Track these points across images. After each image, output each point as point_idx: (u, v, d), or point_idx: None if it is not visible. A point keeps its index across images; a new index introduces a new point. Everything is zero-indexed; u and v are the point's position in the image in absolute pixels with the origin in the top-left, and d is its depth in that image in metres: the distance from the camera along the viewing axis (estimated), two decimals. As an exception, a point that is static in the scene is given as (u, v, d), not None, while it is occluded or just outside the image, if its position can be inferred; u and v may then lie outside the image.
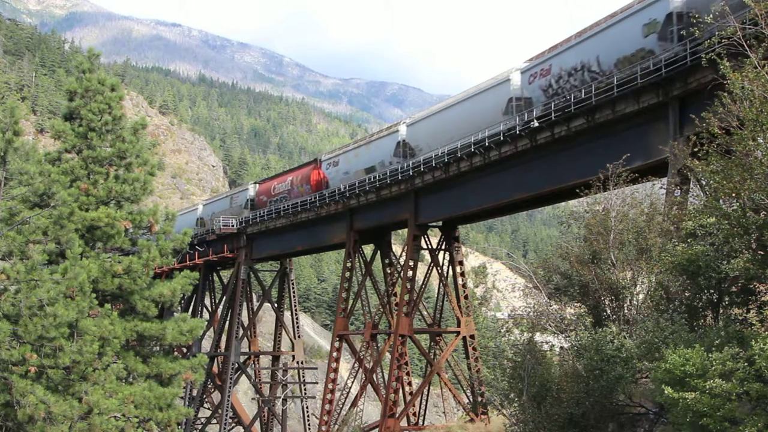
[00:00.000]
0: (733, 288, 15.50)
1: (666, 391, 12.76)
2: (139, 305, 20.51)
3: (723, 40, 15.92)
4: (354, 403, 48.35)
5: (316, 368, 68.51)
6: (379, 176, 40.53)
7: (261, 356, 63.61)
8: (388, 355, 48.89)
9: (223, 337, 59.36)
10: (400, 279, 43.21)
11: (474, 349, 41.51)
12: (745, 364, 12.34)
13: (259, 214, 52.75)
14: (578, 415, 17.95)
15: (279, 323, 60.29)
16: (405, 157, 39.39)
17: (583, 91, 28.08)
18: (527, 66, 32.11)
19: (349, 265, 45.89)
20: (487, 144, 32.97)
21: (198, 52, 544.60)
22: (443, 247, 42.78)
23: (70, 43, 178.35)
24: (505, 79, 33.09)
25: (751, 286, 14.15)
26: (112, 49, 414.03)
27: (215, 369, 60.12)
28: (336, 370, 47.17)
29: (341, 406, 48.33)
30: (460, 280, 42.27)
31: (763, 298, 13.48)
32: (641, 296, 20.14)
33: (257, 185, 55.88)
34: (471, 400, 41.24)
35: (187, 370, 21.06)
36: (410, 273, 40.70)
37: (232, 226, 55.10)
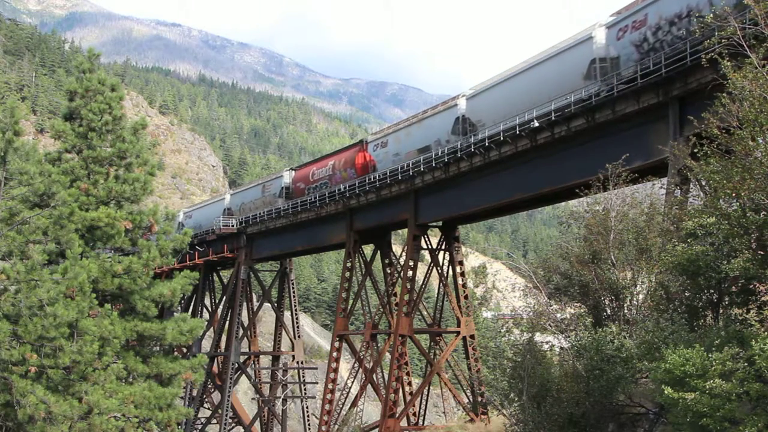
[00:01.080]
0: (733, 288, 15.49)
1: (666, 391, 12.76)
2: (139, 305, 20.51)
3: (723, 40, 15.93)
4: (354, 403, 48.35)
5: (316, 368, 68.50)
6: (379, 176, 40.52)
7: (261, 356, 63.63)
8: (388, 355, 48.91)
9: (223, 337, 59.37)
10: (400, 279, 43.21)
11: (474, 349, 41.50)
12: (745, 364, 12.34)
13: (259, 214, 52.74)
14: (578, 415, 17.95)
15: (279, 323, 60.30)
16: (465, 134, 35.29)
17: (583, 91, 28.03)
18: (614, 20, 28.26)
19: (349, 265, 45.89)
20: (487, 144, 32.96)
21: (198, 52, 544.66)
22: (443, 247, 42.78)
23: (70, 43, 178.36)
24: (586, 37, 29.03)
25: (751, 286, 14.14)
26: (112, 49, 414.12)
27: (215, 369, 60.12)
28: (336, 370, 47.17)
29: (341, 406, 48.33)
30: (460, 280, 42.27)
31: (763, 298, 13.46)
32: (641, 296, 20.14)
33: (293, 172, 51.62)
34: (471, 400, 41.24)
35: (187, 370, 21.06)
36: (410, 273, 40.70)
37: (232, 226, 55.10)
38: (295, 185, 50.32)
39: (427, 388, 45.79)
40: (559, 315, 21.64)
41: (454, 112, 36.55)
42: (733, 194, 14.01)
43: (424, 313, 46.59)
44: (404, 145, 39.96)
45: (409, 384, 46.17)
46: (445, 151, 35.68)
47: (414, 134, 39.69)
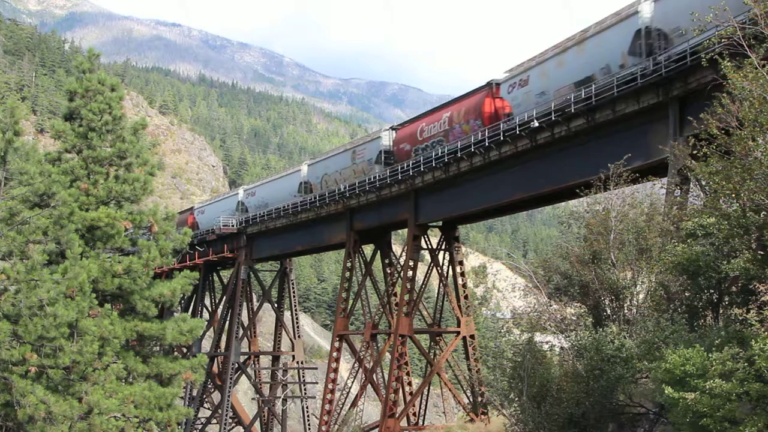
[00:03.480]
0: (733, 288, 15.51)
1: (666, 391, 12.77)
2: (139, 305, 20.51)
3: (723, 40, 15.93)
4: (354, 403, 48.35)
5: (316, 368, 68.53)
6: (379, 176, 40.51)
7: (261, 356, 63.66)
8: (388, 355, 48.87)
9: (223, 337, 59.39)
10: (400, 279, 43.21)
11: (474, 349, 41.51)
12: (745, 364, 12.34)
13: (260, 214, 52.74)
14: (578, 415, 17.95)
15: (279, 323, 60.32)
16: (650, 54, 25.99)
17: (583, 91, 28.01)
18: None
19: (349, 265, 45.90)
20: (487, 144, 32.97)
21: (198, 52, 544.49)
22: (443, 247, 42.78)
23: (70, 43, 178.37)
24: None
25: (751, 286, 14.14)
26: (112, 49, 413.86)
27: (215, 369, 60.14)
28: (336, 370, 47.18)
29: (341, 406, 48.33)
30: (460, 280, 42.28)
31: (763, 298, 13.46)
32: (641, 296, 20.14)
33: (393, 132, 42.21)
34: (471, 400, 41.26)
35: (187, 370, 21.06)
36: (410, 273, 40.71)
37: (232, 226, 55.12)
38: (397, 147, 41.07)
39: (427, 388, 45.79)
40: (559, 315, 21.64)
41: (633, 22, 26.90)
42: (733, 194, 14.01)
43: (424, 313, 46.59)
44: (553, 80, 30.71)
45: (409, 384, 46.18)
46: (446, 151, 35.68)
47: (569, 63, 30.11)
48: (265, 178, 62.33)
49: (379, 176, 40.48)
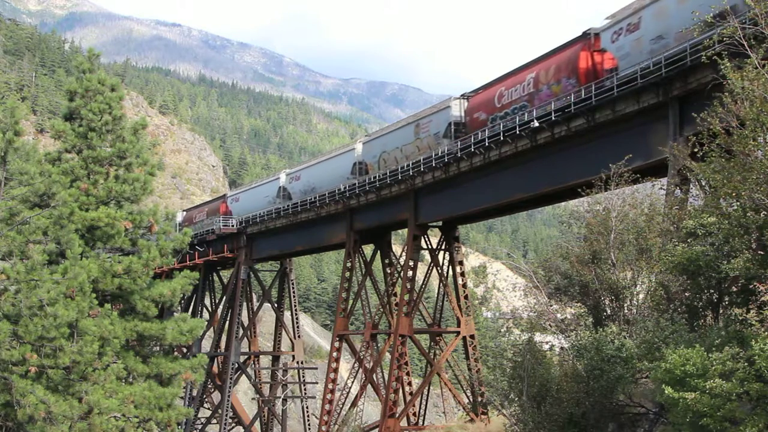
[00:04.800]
0: (733, 288, 15.51)
1: (666, 391, 12.77)
2: (139, 305, 20.52)
3: (723, 40, 15.93)
4: (354, 403, 48.35)
5: (316, 368, 68.54)
6: (378, 176, 40.50)
7: (261, 356, 63.64)
8: (388, 355, 48.87)
9: (223, 337, 59.38)
10: (400, 279, 43.20)
11: (474, 349, 41.52)
12: (745, 364, 12.35)
13: (259, 214, 52.71)
14: (578, 415, 17.96)
15: (279, 323, 60.32)
16: None
17: (583, 91, 28.03)
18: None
19: (349, 265, 45.90)
20: (487, 144, 32.97)
21: (198, 52, 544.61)
22: (443, 247, 42.78)
23: (70, 43, 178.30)
24: None
25: (751, 286, 14.15)
26: (113, 49, 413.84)
27: (215, 369, 60.15)
28: (336, 370, 47.18)
29: (341, 406, 48.33)
30: (460, 280, 42.27)
31: (763, 298, 13.47)
32: (641, 296, 20.15)
33: (465, 100, 36.68)
34: (471, 400, 41.25)
35: (187, 370, 21.06)
36: (410, 273, 40.71)
37: (232, 226, 55.12)
38: (470, 117, 35.76)
39: (427, 388, 45.79)
40: (559, 315, 21.65)
41: None
42: (734, 194, 14.02)
43: (424, 313, 46.59)
44: (676, 18, 24.57)
45: (409, 384, 46.18)
46: (445, 151, 35.68)
47: None
48: (311, 160, 55.77)
49: (378, 177, 40.48)
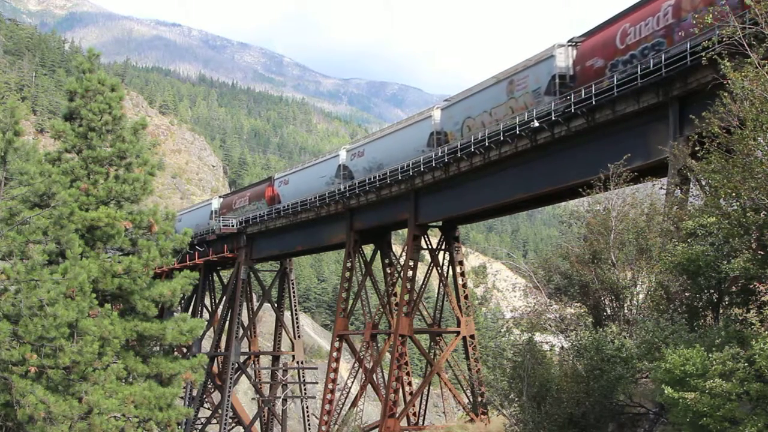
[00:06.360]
0: (733, 288, 15.51)
1: (666, 391, 12.77)
2: (139, 305, 20.52)
3: (723, 40, 15.92)
4: (354, 403, 48.35)
5: (316, 368, 68.53)
6: (378, 176, 40.50)
7: (261, 356, 63.66)
8: (388, 355, 48.88)
9: (223, 337, 59.41)
10: (400, 279, 43.21)
11: (474, 349, 41.52)
12: (745, 364, 12.35)
13: (260, 214, 52.71)
14: (578, 415, 17.95)
15: (279, 323, 60.33)
16: None
17: (583, 91, 28.07)
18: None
19: (349, 265, 45.90)
20: (487, 144, 32.98)
21: (198, 52, 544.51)
22: (443, 247, 42.79)
23: (70, 43, 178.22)
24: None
25: (751, 286, 14.15)
26: (113, 49, 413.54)
27: (215, 369, 60.17)
28: (336, 370, 47.18)
29: (341, 406, 48.33)
30: (460, 280, 42.28)
31: (763, 298, 13.47)
32: (641, 296, 20.15)
33: (574, 47, 30.36)
34: (471, 400, 41.25)
35: (187, 370, 21.06)
36: (410, 273, 40.72)
37: (232, 226, 55.12)
38: (581, 66, 29.83)
39: (427, 388, 45.81)
40: (559, 315, 21.65)
41: None
42: (734, 194, 14.02)
43: (424, 313, 46.60)
44: None
45: (409, 384, 46.19)
46: (445, 151, 35.67)
47: None
48: (377, 133, 48.44)
49: (379, 176, 40.45)
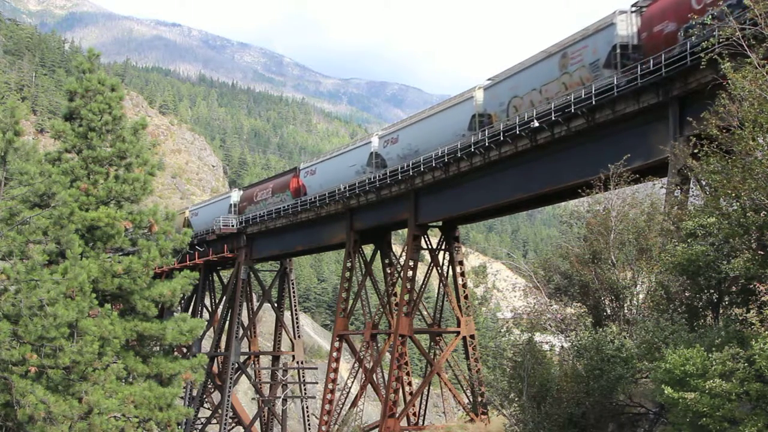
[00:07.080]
0: (733, 288, 15.51)
1: (666, 391, 12.77)
2: (139, 305, 20.52)
3: (723, 40, 15.92)
4: (354, 403, 48.36)
5: (316, 368, 68.51)
6: (378, 176, 40.49)
7: (261, 356, 63.64)
8: (388, 355, 48.89)
9: (223, 337, 59.39)
10: (400, 279, 43.21)
11: (474, 349, 41.52)
12: (745, 364, 12.35)
13: (260, 214, 52.69)
14: (578, 415, 17.96)
15: (279, 323, 60.32)
16: None
17: (582, 91, 28.07)
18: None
19: (349, 265, 45.89)
20: (487, 144, 32.98)
21: (198, 52, 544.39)
22: (443, 247, 42.79)
23: (70, 43, 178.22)
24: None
25: (751, 286, 14.15)
26: (113, 49, 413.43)
27: (215, 369, 60.15)
28: (336, 370, 47.18)
29: (341, 406, 48.33)
30: (460, 280, 42.28)
31: (763, 298, 13.46)
32: (641, 296, 20.15)
33: (638, 13, 27.35)
34: (471, 400, 41.25)
35: (187, 370, 21.07)
36: (410, 273, 40.72)
37: (232, 226, 55.09)
38: (649, 33, 26.51)
39: (427, 388, 45.80)
40: (559, 315, 21.65)
41: None
42: (734, 194, 14.02)
43: (424, 313, 46.60)
44: None
45: (409, 384, 46.19)
46: (445, 151, 35.67)
47: None
48: (413, 117, 44.02)
49: (379, 176, 40.43)
